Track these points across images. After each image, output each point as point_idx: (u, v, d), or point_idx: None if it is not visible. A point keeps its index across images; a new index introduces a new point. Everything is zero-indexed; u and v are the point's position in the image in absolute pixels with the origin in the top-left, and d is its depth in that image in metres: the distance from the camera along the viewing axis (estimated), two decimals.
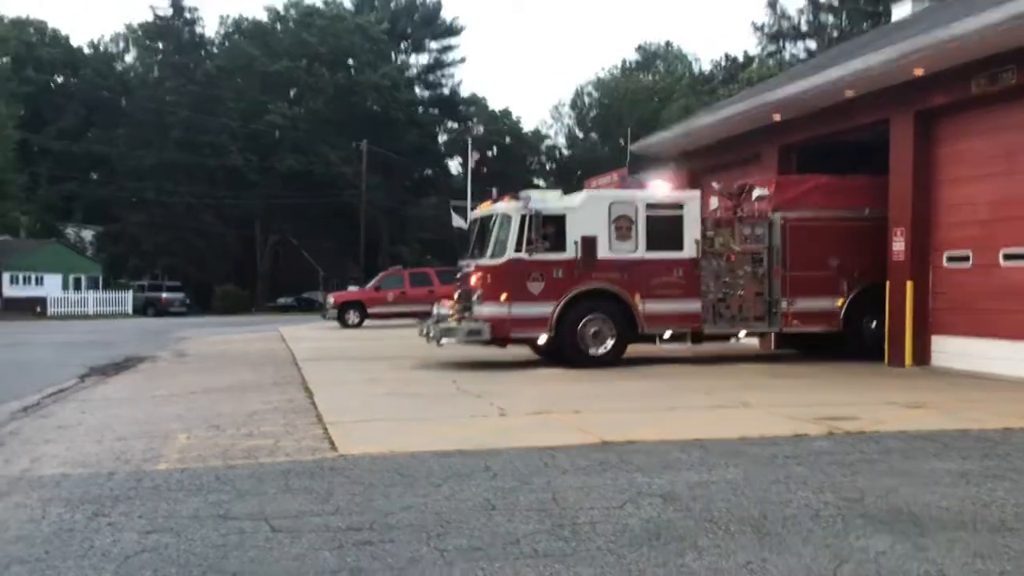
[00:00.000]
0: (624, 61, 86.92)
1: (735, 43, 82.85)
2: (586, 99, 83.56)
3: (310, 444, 8.02)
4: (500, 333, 14.66)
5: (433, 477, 6.56)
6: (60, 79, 67.37)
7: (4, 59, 62.61)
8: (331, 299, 32.73)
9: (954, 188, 14.36)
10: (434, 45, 78.82)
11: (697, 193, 15.90)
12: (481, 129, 76.34)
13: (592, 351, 14.76)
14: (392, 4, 76.79)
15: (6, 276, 55.61)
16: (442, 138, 77.94)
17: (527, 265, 14.58)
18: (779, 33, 62.73)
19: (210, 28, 75.19)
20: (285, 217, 65.70)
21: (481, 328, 14.65)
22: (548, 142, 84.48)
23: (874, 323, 15.46)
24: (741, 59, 68.00)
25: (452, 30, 78.46)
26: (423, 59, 79.48)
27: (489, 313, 14.67)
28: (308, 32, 65.63)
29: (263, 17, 70.86)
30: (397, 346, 19.81)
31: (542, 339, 14.78)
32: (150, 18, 65.82)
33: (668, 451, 7.42)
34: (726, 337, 16.35)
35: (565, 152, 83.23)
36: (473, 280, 15.05)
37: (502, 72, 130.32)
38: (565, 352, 14.81)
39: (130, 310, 52.95)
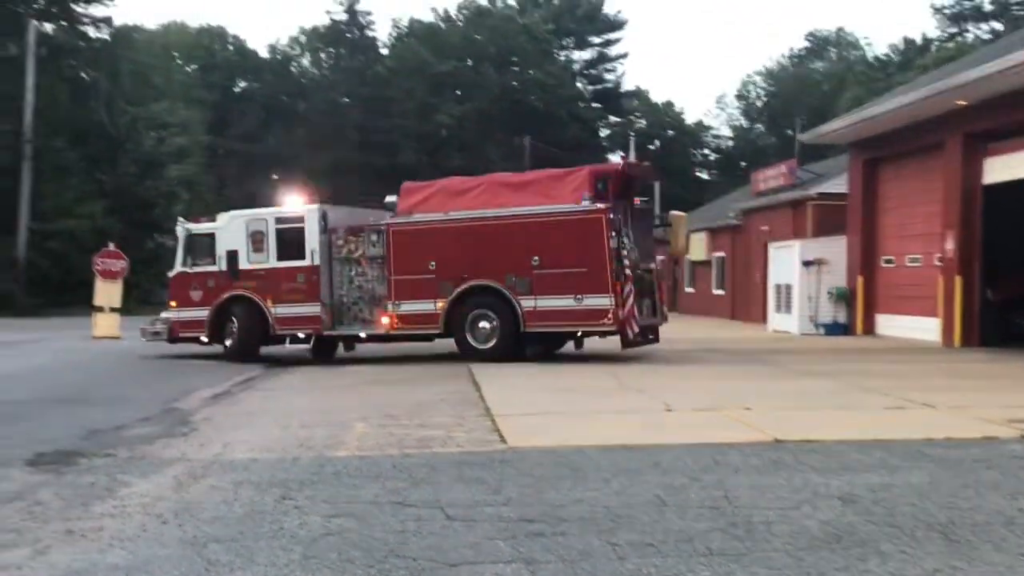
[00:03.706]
0: (792, 49, 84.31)
1: (913, 26, 78.54)
2: (752, 89, 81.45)
3: (480, 436, 8.19)
4: (174, 334, 17.67)
5: (602, 471, 6.57)
6: (243, 84, 70.95)
7: (193, 67, 66.60)
8: None
9: None
10: (596, 40, 78.59)
11: (315, 207, 16.79)
12: (643, 123, 75.63)
13: (227, 347, 17.14)
14: (555, 0, 77.09)
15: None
16: (604, 132, 77.65)
17: (189, 277, 17.57)
18: (961, 14, 59.33)
19: (381, 31, 77.41)
20: None
21: (161, 330, 17.90)
22: (712, 133, 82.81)
23: (485, 324, 15.28)
24: (919, 42, 64.67)
25: (615, 24, 78.01)
26: (585, 54, 79.44)
27: (168, 317, 17.85)
28: (477, 32, 66.78)
29: (431, 18, 72.61)
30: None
31: (203, 338, 17.30)
32: (326, 23, 68.79)
33: (846, 452, 7.16)
34: (347, 339, 17.08)
35: (729, 144, 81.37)
36: None
37: (665, 64, 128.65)
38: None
39: None
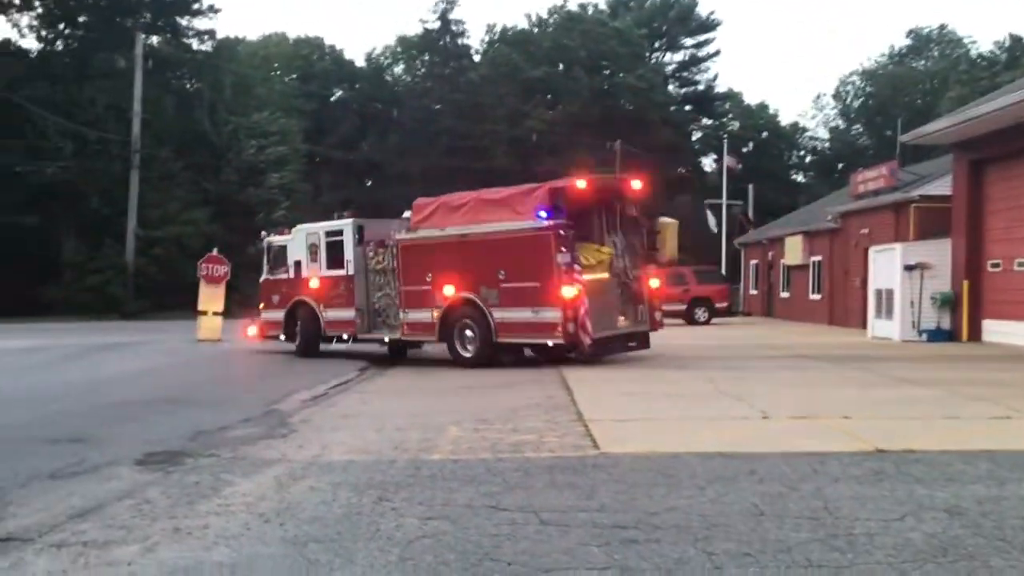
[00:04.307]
0: (892, 47, 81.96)
1: (1019, 23, 75.33)
2: (850, 89, 79.46)
3: (572, 441, 8.19)
4: (262, 334, 20.36)
5: (696, 479, 6.50)
6: (339, 92, 72.32)
7: (291, 77, 68.23)
8: None
9: None
10: (689, 42, 77.73)
11: (351, 222, 18.37)
12: (736, 125, 74.47)
13: (293, 347, 19.32)
14: (647, 3, 76.54)
15: None
16: (696, 135, 76.73)
17: (271, 283, 20.11)
18: None
19: (474, 38, 78.01)
20: None
21: (253, 330, 20.54)
22: (808, 134, 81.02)
23: (469, 333, 15.94)
24: None
25: (708, 25, 77.05)
26: (678, 56, 78.65)
27: (260, 318, 20.46)
28: (569, 37, 66.82)
29: (522, 24, 72.93)
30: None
31: (282, 337, 19.58)
32: (419, 31, 69.75)
33: (951, 462, 6.93)
34: (375, 341, 18.29)
35: (826, 145, 79.51)
36: None
37: (760, 65, 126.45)
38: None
39: None
